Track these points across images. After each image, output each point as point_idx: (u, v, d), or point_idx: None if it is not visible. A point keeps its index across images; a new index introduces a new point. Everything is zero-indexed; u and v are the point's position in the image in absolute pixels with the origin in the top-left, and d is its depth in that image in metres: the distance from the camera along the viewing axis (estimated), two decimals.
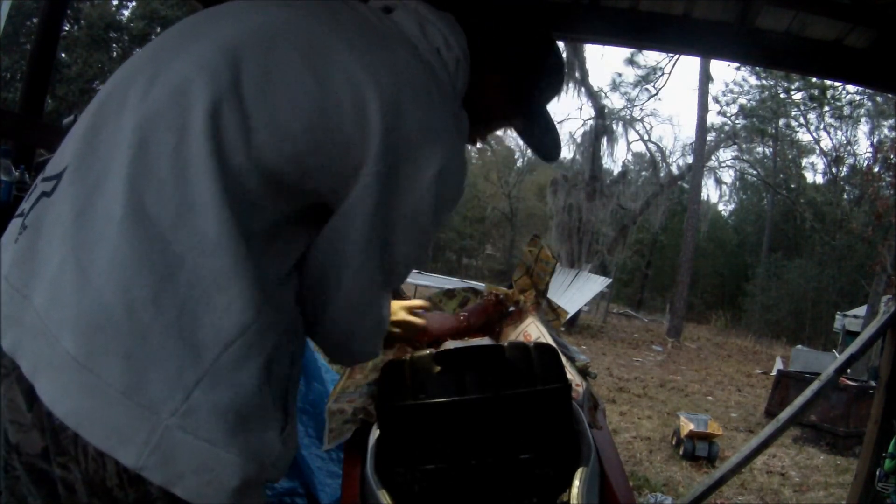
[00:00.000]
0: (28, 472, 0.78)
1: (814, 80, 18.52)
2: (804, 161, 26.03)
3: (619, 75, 26.53)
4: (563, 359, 1.39)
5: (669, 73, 20.25)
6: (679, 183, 21.75)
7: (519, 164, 33.08)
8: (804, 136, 24.69)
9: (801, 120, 23.17)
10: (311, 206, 0.86)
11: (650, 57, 20.20)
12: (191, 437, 0.71)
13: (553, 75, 1.10)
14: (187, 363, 0.72)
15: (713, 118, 22.20)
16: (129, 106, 0.80)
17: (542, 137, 1.12)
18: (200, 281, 0.73)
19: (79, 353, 0.71)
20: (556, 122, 1.14)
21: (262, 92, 0.79)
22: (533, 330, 1.77)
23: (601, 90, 20.07)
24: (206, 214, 0.74)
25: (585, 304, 14.88)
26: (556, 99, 1.14)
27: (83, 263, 0.73)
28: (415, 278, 11.07)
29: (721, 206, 31.43)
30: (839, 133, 23.22)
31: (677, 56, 17.92)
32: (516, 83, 1.05)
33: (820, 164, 26.02)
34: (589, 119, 18.72)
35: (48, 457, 0.76)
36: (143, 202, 0.74)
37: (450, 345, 1.49)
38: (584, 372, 1.72)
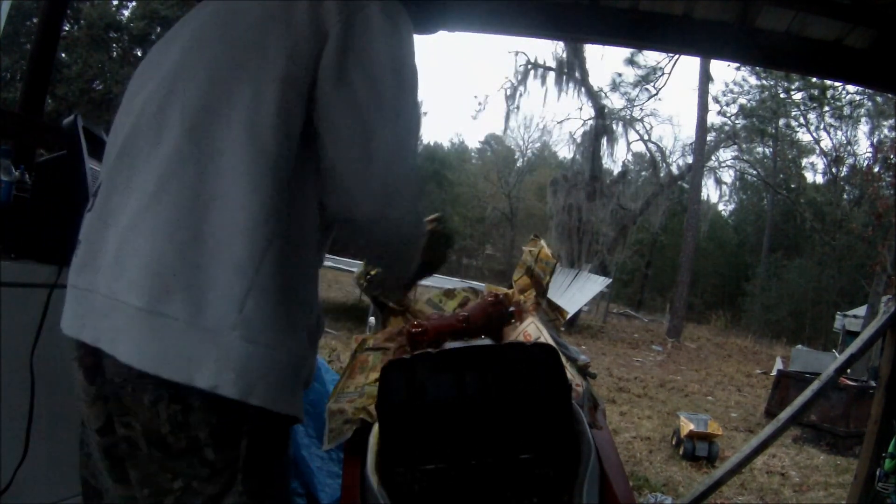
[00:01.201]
0: (95, 445, 0.95)
1: (814, 80, 18.53)
2: (804, 161, 26.05)
3: (619, 75, 26.43)
4: (563, 359, 1.39)
5: (669, 73, 20.18)
6: (679, 183, 21.74)
7: (519, 163, 33.10)
8: (804, 136, 24.67)
9: (801, 120, 23.17)
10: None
11: (650, 57, 20.14)
12: (251, 345, 0.84)
13: None
14: (234, 280, 0.84)
15: (713, 118, 22.19)
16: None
17: None
18: (228, 208, 0.86)
19: (144, 302, 0.84)
20: None
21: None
22: (533, 330, 1.77)
23: (601, 90, 20.04)
24: (230, 159, 0.87)
25: (585, 304, 14.87)
26: None
27: (132, 234, 0.87)
28: None
29: (721, 206, 31.45)
30: (839, 133, 23.22)
31: (677, 56, 17.91)
32: None
33: (820, 164, 25.99)
34: (589, 119, 18.73)
35: (111, 427, 0.91)
36: (173, 167, 0.88)
37: (450, 345, 1.49)
38: (584, 372, 1.72)
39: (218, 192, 0.86)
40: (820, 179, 26.38)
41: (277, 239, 0.87)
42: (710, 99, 20.00)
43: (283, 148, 0.89)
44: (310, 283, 0.98)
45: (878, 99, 19.11)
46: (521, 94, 18.88)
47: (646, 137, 20.89)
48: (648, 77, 20.30)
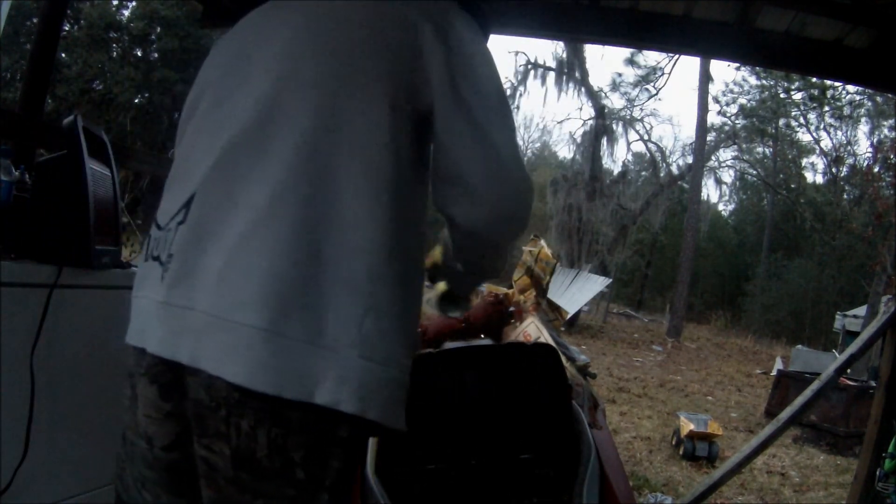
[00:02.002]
0: (154, 461, 0.94)
1: (814, 80, 18.52)
2: (804, 161, 26.03)
3: (619, 75, 26.49)
4: (563, 359, 1.39)
5: (669, 73, 20.23)
6: (679, 183, 21.74)
7: None
8: (804, 136, 24.66)
9: (801, 120, 23.16)
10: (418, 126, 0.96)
11: (650, 57, 20.16)
12: (370, 362, 0.85)
13: None
14: (353, 300, 0.85)
15: (713, 118, 22.19)
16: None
17: None
18: (346, 228, 0.86)
19: (263, 322, 0.82)
20: None
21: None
22: (533, 330, 1.77)
23: (601, 90, 20.06)
24: (344, 182, 0.88)
25: (585, 304, 14.87)
26: None
27: (244, 252, 0.85)
28: None
29: (721, 206, 31.42)
30: (839, 133, 23.21)
31: (677, 56, 17.92)
32: None
33: (820, 164, 25.99)
34: (589, 119, 18.73)
35: (182, 444, 0.90)
36: (286, 184, 0.87)
37: (450, 345, 1.49)
38: (584, 372, 1.72)
39: (334, 211, 0.87)
40: (820, 179, 26.41)
41: (395, 260, 0.89)
42: (710, 99, 20.02)
43: (396, 168, 0.91)
44: (419, 300, 1.00)
45: (878, 99, 19.12)
46: (521, 94, 18.91)
47: (646, 137, 20.92)
48: (648, 77, 20.33)
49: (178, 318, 0.88)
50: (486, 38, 1.09)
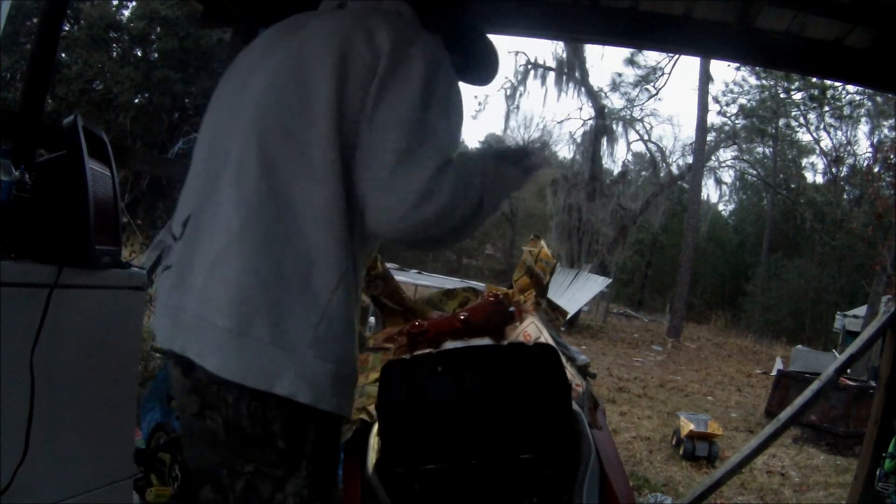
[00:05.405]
0: (188, 426, 1.16)
1: (814, 80, 18.51)
2: (804, 161, 26.02)
3: (619, 75, 26.45)
4: (563, 359, 1.39)
5: (669, 73, 20.17)
6: (679, 183, 21.74)
7: None
8: (804, 136, 24.63)
9: (801, 120, 23.14)
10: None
11: (650, 57, 20.10)
12: (323, 361, 1.01)
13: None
14: (309, 309, 1.01)
15: (713, 118, 22.17)
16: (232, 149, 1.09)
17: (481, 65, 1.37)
18: (304, 247, 1.01)
19: (233, 325, 1.00)
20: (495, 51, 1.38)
21: None
22: (533, 330, 1.77)
23: (601, 90, 20.03)
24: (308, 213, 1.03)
25: (585, 304, 14.88)
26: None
27: (220, 266, 1.03)
28: (415, 278, 11.06)
29: (721, 206, 31.41)
30: (839, 133, 23.19)
31: (677, 56, 17.90)
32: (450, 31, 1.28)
33: (820, 164, 25.96)
34: (589, 119, 18.73)
35: (203, 413, 1.09)
36: (254, 211, 1.02)
37: (450, 345, 1.49)
38: (584, 372, 1.72)
39: (293, 232, 1.02)
40: (820, 179, 26.39)
41: (347, 273, 1.04)
42: (710, 99, 20.02)
43: (347, 191, 1.03)
44: (358, 306, 1.12)
45: (878, 99, 19.10)
46: (521, 94, 18.93)
47: (646, 137, 20.91)
48: (648, 77, 20.31)
49: (174, 317, 1.09)
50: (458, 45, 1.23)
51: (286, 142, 1.05)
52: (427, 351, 1.36)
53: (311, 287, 1.01)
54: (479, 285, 2.35)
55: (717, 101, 22.68)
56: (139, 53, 18.20)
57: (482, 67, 1.38)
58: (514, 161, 1.15)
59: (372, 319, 2.63)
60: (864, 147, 25.09)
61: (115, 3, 18.23)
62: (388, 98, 1.03)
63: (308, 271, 1.01)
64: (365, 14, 1.14)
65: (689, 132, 35.23)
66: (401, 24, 1.11)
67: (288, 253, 1.01)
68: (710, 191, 48.44)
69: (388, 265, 2.29)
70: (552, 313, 1.97)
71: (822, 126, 23.00)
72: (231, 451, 1.07)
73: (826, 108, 21.78)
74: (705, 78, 18.66)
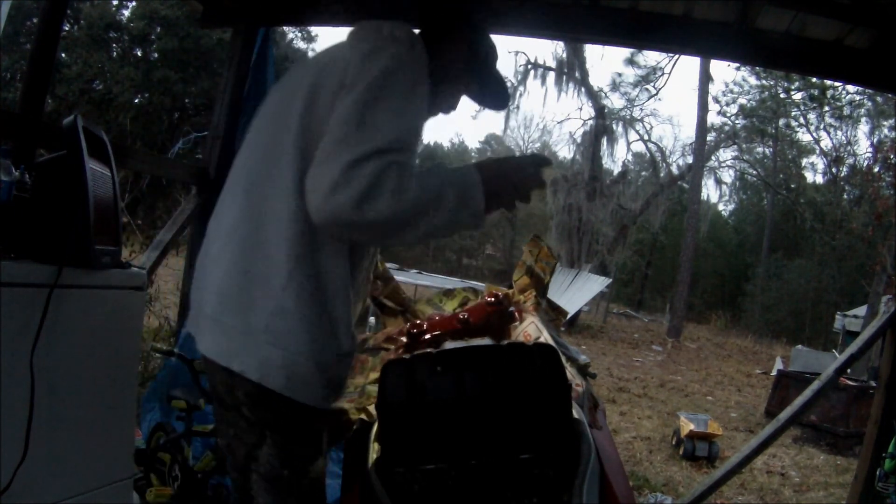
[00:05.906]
0: (217, 402, 1.35)
1: (814, 80, 18.50)
2: (804, 161, 26.04)
3: (619, 75, 26.51)
4: (563, 359, 1.39)
5: (669, 73, 20.17)
6: (679, 183, 21.73)
7: None
8: (804, 136, 24.63)
9: (801, 120, 23.13)
10: None
11: (650, 57, 20.10)
12: (273, 347, 1.19)
13: (489, 44, 1.49)
14: (267, 303, 1.20)
15: (713, 118, 22.17)
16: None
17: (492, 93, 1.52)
18: (268, 252, 1.20)
19: (214, 312, 1.25)
20: (502, 79, 1.51)
21: None
22: (533, 330, 1.77)
23: (601, 90, 20.03)
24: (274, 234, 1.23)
25: (585, 304, 14.87)
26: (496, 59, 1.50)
27: (213, 266, 1.28)
28: (415, 278, 11.07)
29: (721, 206, 31.43)
30: (839, 133, 23.18)
31: (677, 56, 17.88)
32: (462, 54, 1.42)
33: (820, 164, 25.98)
34: (589, 119, 18.72)
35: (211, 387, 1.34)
36: (238, 220, 1.25)
37: (450, 345, 1.49)
38: (584, 372, 1.72)
39: (262, 240, 1.22)
40: (820, 179, 26.41)
41: (298, 275, 1.19)
42: (710, 99, 20.02)
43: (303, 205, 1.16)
44: (338, 306, 1.24)
45: (878, 99, 19.10)
46: (521, 94, 18.88)
47: (646, 137, 20.89)
48: (648, 77, 20.30)
49: (195, 306, 1.33)
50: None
51: (265, 165, 1.25)
52: (427, 351, 1.36)
53: (270, 286, 1.20)
54: (479, 285, 2.35)
55: (717, 101, 22.72)
56: (139, 53, 18.21)
57: (487, 96, 1.52)
58: (473, 213, 1.20)
59: (372, 319, 2.63)
60: (864, 147, 25.17)
61: (115, 3, 18.24)
62: (342, 99, 1.16)
63: (269, 272, 1.20)
64: (354, 41, 1.29)
65: (689, 132, 35.33)
66: (380, 37, 1.24)
67: (258, 257, 1.21)
68: (710, 191, 48.56)
69: (388, 265, 2.30)
70: (552, 313, 1.97)
71: (822, 126, 23.02)
72: (221, 420, 1.33)
73: (826, 108, 21.78)
74: (705, 78, 18.67)
